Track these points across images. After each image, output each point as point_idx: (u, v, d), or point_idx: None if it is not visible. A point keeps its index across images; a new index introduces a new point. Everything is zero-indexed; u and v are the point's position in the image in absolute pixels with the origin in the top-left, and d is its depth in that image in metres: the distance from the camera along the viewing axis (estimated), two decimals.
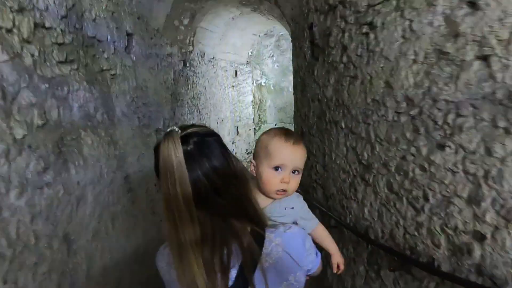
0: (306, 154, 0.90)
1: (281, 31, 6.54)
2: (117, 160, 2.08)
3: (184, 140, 0.63)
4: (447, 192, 1.05)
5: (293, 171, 0.86)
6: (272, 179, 0.84)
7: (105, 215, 1.87)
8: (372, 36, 1.46)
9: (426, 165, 1.13)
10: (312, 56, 2.44)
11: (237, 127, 6.46)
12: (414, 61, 1.18)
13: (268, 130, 0.92)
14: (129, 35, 2.65)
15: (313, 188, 2.61)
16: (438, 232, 1.12)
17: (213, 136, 0.68)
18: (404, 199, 1.27)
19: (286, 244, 0.70)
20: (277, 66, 6.80)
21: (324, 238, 1.05)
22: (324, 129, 2.20)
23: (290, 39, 6.64)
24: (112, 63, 2.21)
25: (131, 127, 2.36)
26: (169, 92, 3.56)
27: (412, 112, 1.20)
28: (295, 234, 0.74)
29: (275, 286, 0.69)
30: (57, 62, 1.58)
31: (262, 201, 0.85)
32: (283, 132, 0.88)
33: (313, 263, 0.78)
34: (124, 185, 2.15)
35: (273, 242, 0.69)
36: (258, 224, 0.71)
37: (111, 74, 2.18)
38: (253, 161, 0.90)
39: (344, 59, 1.75)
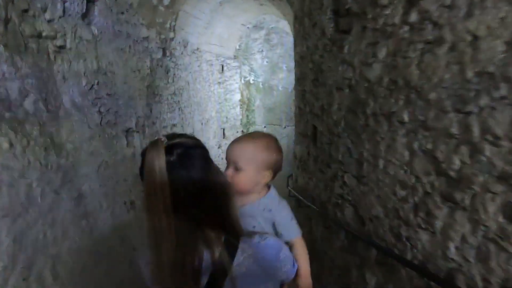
0: (253, 151, 0.91)
1: (272, 24, 5.99)
2: (62, 173, 1.36)
3: (169, 150, 0.66)
4: None
5: (235, 169, 0.91)
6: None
7: (38, 262, 1.16)
8: None
9: None
10: (337, 30, 1.85)
11: (223, 129, 5.78)
12: None
13: None
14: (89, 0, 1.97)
15: (336, 205, 2.01)
16: None
17: (198, 149, 0.72)
18: None
19: (258, 256, 0.73)
20: (266, 62, 6.26)
21: (299, 256, 1.02)
22: (361, 126, 1.61)
23: (281, 33, 6.16)
24: (59, 30, 1.51)
25: (87, 124, 1.64)
26: (145, 83, 2.86)
27: None
28: (269, 245, 0.76)
29: None
30: None
31: (242, 200, 0.93)
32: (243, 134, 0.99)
33: (288, 273, 0.81)
34: (74, 209, 1.43)
35: (246, 252, 0.71)
36: (233, 234, 0.73)
37: (56, 46, 1.49)
38: None
39: (413, 17, 1.17)
